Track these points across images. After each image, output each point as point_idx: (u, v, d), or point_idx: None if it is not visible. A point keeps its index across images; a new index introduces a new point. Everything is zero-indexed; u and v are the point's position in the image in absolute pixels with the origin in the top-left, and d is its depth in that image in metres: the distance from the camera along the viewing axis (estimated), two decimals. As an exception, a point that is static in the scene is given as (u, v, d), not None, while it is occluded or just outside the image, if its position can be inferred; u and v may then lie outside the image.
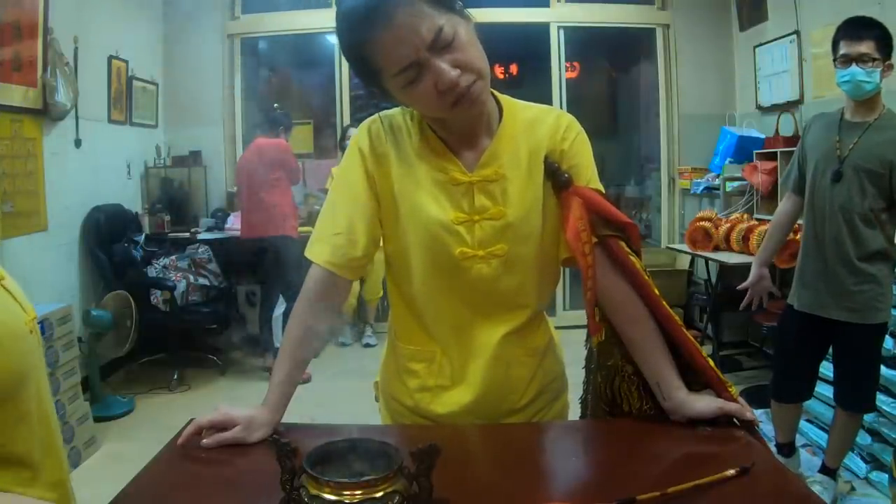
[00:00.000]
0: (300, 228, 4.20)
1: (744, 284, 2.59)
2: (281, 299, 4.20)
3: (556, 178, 1.10)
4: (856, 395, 2.37)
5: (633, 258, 1.10)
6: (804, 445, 2.86)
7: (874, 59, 2.15)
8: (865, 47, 2.16)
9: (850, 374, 2.37)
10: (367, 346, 4.69)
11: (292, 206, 4.16)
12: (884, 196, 2.21)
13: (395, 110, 1.13)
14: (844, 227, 2.25)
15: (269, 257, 4.09)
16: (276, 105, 4.56)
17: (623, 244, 1.10)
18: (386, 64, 0.97)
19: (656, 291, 1.10)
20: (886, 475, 2.51)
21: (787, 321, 2.50)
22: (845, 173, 2.23)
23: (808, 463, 2.72)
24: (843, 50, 2.20)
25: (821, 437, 2.82)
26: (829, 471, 2.50)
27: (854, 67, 2.17)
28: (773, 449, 2.59)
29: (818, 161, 2.32)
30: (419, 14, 0.95)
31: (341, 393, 3.73)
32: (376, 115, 1.14)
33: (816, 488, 2.41)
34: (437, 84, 0.96)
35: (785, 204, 2.54)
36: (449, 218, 1.09)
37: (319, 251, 1.11)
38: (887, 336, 2.48)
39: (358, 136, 1.14)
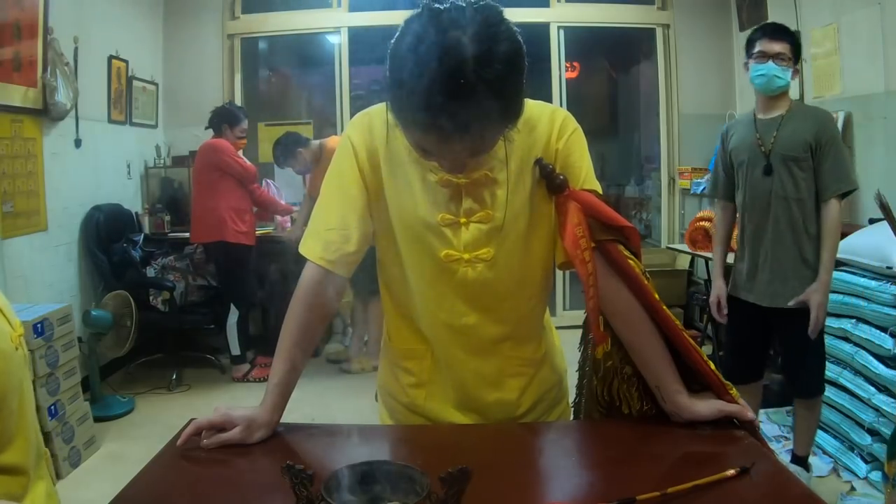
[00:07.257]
0: (260, 231, 4.07)
1: (711, 298, 2.65)
2: (232, 308, 3.98)
3: (551, 181, 1.07)
4: (802, 381, 2.45)
5: (632, 262, 1.08)
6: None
7: (788, 59, 2.34)
8: (781, 47, 2.35)
9: (793, 361, 2.46)
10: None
11: (236, 210, 3.85)
12: (813, 178, 2.33)
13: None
14: (782, 215, 2.36)
15: (214, 264, 4.00)
16: (227, 101, 4.39)
17: (622, 248, 1.08)
18: (411, 134, 0.93)
19: (656, 296, 1.08)
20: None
21: (730, 311, 2.57)
22: (774, 165, 2.36)
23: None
24: (760, 47, 2.38)
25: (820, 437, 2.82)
26: (799, 459, 2.54)
27: (770, 64, 2.34)
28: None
29: (746, 161, 2.44)
30: (488, 132, 0.90)
31: (342, 392, 3.74)
32: (369, 111, 1.12)
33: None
34: (438, 160, 0.97)
35: (720, 213, 2.66)
36: (435, 219, 1.06)
37: (312, 248, 1.09)
38: (887, 336, 2.49)
39: (350, 132, 1.11)
